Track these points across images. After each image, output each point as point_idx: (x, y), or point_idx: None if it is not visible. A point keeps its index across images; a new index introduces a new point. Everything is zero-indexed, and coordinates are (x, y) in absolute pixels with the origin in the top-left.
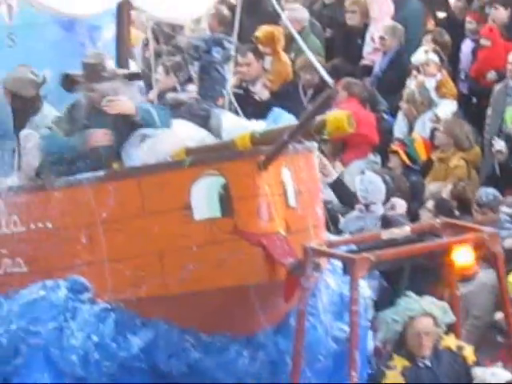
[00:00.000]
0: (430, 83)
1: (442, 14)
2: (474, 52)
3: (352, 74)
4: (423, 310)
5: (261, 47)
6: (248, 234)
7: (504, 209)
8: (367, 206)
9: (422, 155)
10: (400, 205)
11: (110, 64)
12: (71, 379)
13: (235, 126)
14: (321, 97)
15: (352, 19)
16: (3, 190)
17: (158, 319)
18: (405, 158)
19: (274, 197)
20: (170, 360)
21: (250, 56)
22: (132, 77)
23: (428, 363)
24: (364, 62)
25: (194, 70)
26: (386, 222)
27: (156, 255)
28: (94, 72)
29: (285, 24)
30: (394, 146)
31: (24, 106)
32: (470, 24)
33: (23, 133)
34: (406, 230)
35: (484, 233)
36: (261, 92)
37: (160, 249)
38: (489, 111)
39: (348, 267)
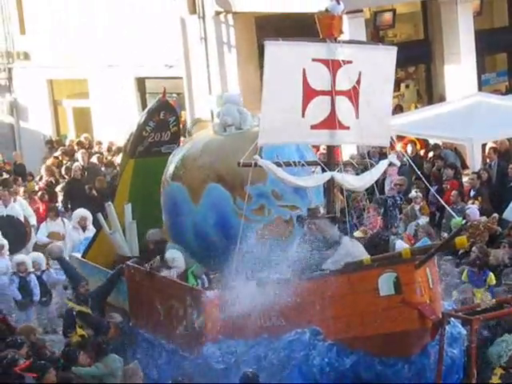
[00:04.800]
0: (417, 207)
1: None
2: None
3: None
4: None
5: None
6: (410, 303)
7: None
8: None
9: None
10: None
11: (322, 210)
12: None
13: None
14: (455, 230)
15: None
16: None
17: (359, 349)
18: None
19: (423, 283)
20: (364, 372)
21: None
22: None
23: None
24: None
25: None
26: None
27: (359, 314)
28: (313, 213)
29: None
30: None
31: None
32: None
33: None
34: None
35: None
36: None
37: (361, 311)
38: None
39: (467, 323)
